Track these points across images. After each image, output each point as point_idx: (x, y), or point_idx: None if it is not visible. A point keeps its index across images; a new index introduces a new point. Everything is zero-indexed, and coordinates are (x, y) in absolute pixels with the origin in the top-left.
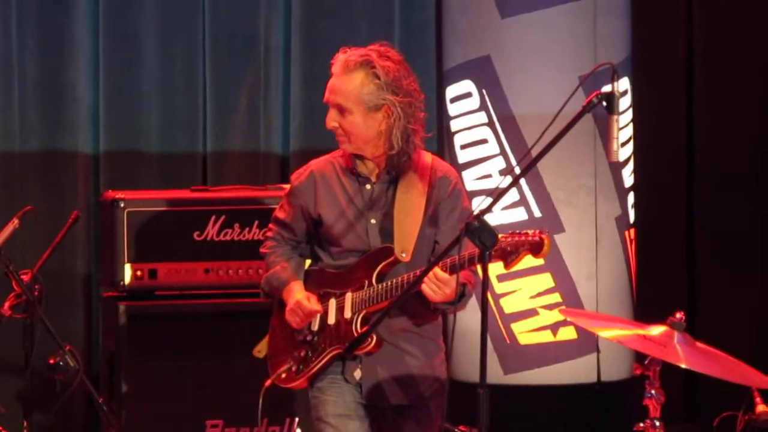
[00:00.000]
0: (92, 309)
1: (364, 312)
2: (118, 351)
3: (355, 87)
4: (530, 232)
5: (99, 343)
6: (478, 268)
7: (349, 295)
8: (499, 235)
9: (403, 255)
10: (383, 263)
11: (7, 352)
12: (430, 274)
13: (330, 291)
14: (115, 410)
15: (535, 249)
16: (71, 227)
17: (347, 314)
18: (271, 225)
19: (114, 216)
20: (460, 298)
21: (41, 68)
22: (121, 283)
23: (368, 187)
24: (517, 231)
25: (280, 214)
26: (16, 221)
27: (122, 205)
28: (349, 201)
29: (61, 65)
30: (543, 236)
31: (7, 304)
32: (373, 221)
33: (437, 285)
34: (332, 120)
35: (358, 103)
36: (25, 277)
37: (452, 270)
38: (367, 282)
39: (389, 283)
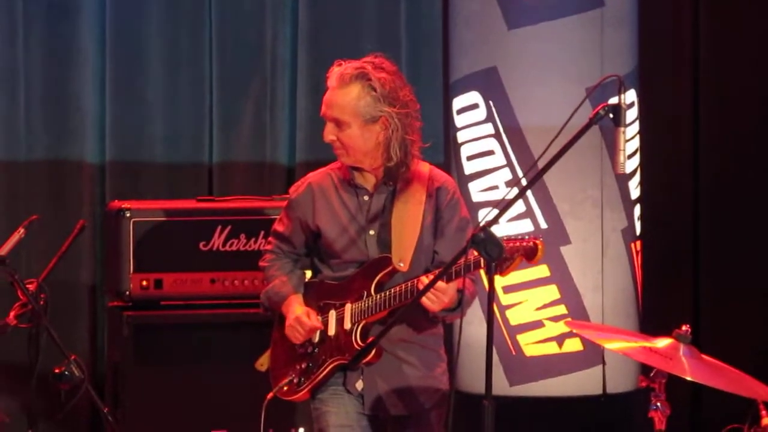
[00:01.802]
0: (97, 319)
1: (363, 322)
2: (123, 361)
3: (352, 100)
4: (524, 237)
5: (104, 352)
6: (482, 273)
7: (348, 306)
8: None
9: (401, 264)
10: (381, 273)
11: (12, 362)
12: (427, 283)
13: (329, 302)
14: (119, 420)
15: (529, 254)
16: (77, 237)
17: (347, 325)
18: (270, 238)
19: (120, 226)
20: (458, 306)
21: (47, 78)
22: (127, 293)
23: (366, 198)
24: (512, 237)
25: (278, 228)
26: (21, 230)
27: (128, 214)
28: (348, 213)
29: (67, 75)
30: (537, 242)
31: (12, 314)
32: (371, 232)
33: (435, 294)
34: (330, 133)
35: (355, 116)
36: (31, 287)
37: (449, 278)
38: (365, 292)
39: (387, 293)
